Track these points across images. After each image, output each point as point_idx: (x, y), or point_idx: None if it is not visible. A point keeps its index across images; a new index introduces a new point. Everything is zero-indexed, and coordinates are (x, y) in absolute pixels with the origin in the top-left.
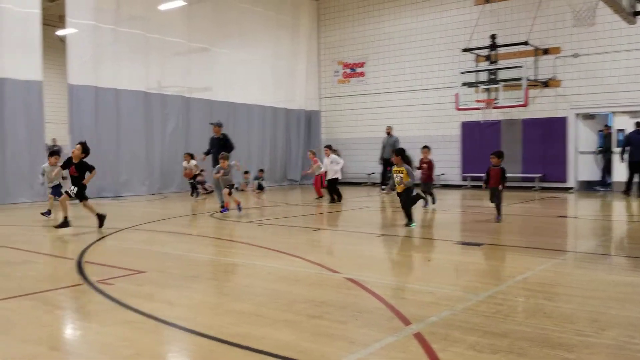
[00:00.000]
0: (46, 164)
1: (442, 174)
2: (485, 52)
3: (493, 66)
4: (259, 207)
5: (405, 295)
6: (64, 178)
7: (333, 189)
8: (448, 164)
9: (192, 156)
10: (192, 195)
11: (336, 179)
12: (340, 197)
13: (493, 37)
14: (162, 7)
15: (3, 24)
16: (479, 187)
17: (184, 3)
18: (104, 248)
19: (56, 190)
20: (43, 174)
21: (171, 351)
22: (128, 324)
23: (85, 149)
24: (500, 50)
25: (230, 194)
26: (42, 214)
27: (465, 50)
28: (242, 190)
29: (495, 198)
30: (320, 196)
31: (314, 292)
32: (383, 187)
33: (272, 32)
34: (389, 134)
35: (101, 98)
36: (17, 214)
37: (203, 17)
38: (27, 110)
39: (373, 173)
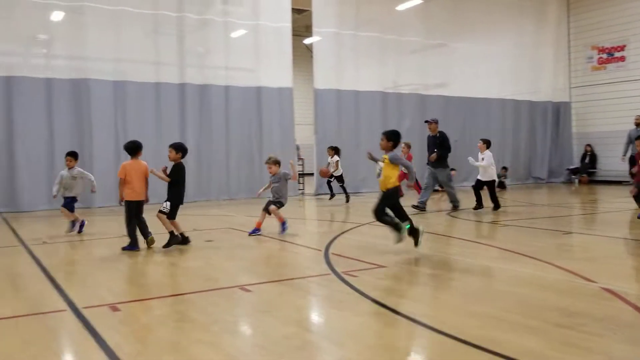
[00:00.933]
0: (64, 171)
1: None
2: None
3: None
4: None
5: None
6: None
7: (492, 193)
8: None
9: (336, 151)
10: (330, 199)
11: (493, 181)
12: (496, 204)
13: None
14: (399, 7)
15: (261, 38)
16: None
17: (420, 1)
18: (347, 241)
19: (70, 204)
20: (60, 182)
21: (413, 345)
22: (372, 315)
23: (177, 149)
24: None
25: (269, 212)
26: (73, 231)
27: None
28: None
29: None
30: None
31: (565, 301)
32: None
33: (514, 21)
34: (638, 124)
35: (343, 100)
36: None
37: (440, 13)
38: (279, 114)
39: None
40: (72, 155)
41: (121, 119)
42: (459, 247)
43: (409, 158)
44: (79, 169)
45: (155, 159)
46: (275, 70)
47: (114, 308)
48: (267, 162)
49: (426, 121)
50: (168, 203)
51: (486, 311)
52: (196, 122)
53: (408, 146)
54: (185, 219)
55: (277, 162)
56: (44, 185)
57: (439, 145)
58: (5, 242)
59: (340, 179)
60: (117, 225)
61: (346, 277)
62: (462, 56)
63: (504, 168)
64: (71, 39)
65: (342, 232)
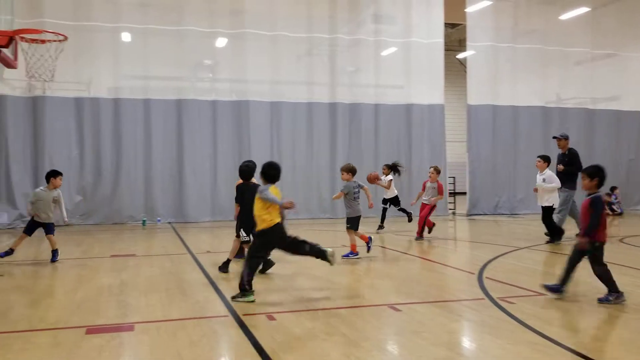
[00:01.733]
0: (42, 188)
1: None
2: None
3: None
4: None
5: None
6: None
7: (548, 222)
8: None
9: (394, 169)
10: (378, 229)
11: (551, 207)
12: (554, 233)
13: None
14: (563, 16)
15: (411, 55)
16: None
17: (587, 9)
18: (503, 266)
19: (49, 228)
20: (33, 202)
21: None
22: (531, 345)
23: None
24: None
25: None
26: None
27: None
28: None
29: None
30: (420, 234)
31: None
32: None
33: None
34: None
35: (498, 116)
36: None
37: (608, 21)
38: (430, 131)
39: None
40: (61, 174)
41: (276, 138)
42: (634, 277)
43: (439, 187)
44: (59, 191)
45: (307, 176)
46: (426, 87)
47: (270, 317)
48: (343, 170)
49: (555, 137)
50: (241, 230)
51: None
52: (346, 140)
53: (437, 171)
54: (336, 235)
55: (346, 170)
56: (209, 199)
57: (567, 164)
58: (175, 250)
59: (395, 201)
60: None
61: (502, 303)
62: (637, 66)
63: None
64: (233, 63)
65: (498, 256)
